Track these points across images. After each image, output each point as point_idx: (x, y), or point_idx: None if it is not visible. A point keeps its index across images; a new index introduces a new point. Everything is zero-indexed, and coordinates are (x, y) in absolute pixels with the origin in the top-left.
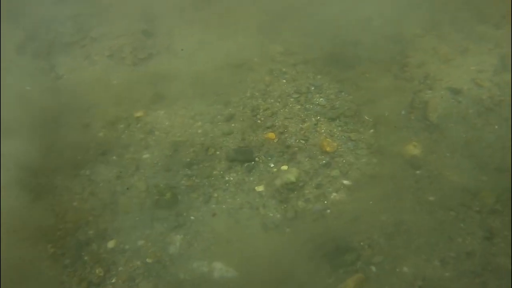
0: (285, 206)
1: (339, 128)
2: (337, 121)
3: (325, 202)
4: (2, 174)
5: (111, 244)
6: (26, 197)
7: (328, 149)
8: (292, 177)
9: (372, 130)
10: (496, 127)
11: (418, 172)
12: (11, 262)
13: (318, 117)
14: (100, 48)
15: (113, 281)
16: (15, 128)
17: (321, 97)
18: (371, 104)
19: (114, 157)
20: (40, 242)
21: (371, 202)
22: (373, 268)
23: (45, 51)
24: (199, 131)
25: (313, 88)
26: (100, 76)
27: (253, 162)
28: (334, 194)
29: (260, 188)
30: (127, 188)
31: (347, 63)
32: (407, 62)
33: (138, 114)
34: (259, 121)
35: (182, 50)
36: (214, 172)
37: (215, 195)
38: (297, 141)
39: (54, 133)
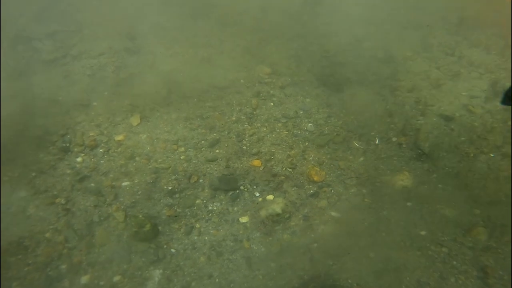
0: (270, 239)
1: (328, 156)
2: (326, 148)
3: (312, 235)
4: None
5: (84, 279)
6: None
7: (316, 178)
8: (278, 208)
9: (362, 158)
10: (490, 156)
11: (409, 204)
12: None
13: (306, 144)
14: (80, 67)
15: None
16: None
17: (309, 122)
18: (361, 130)
19: (92, 185)
20: (3, 280)
21: (359, 236)
22: None
23: (23, 69)
24: (182, 157)
25: (301, 112)
26: (80, 96)
27: (237, 191)
28: (322, 226)
29: (244, 219)
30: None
31: (336, 86)
32: (398, 86)
33: (119, 137)
34: (244, 147)
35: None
36: (197, 201)
37: (198, 225)
38: (284, 169)
39: (29, 157)
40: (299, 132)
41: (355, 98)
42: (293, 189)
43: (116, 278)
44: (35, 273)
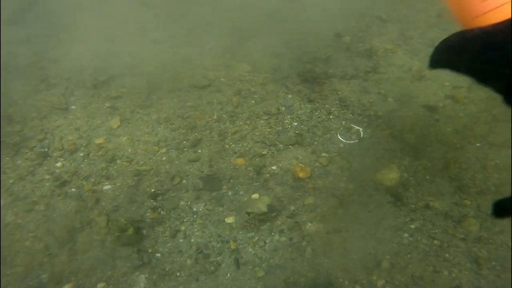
0: (257, 238)
1: (312, 151)
2: (310, 143)
3: (300, 233)
4: None
5: None
6: None
7: (301, 174)
8: (263, 207)
9: (346, 152)
10: (476, 146)
11: (397, 197)
12: None
13: (290, 140)
14: (58, 71)
15: None
16: None
17: (292, 118)
18: (345, 124)
19: (73, 189)
20: None
21: (349, 233)
22: None
23: None
24: (164, 158)
25: (283, 108)
26: (58, 100)
27: (221, 191)
28: (309, 224)
29: (230, 220)
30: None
31: (318, 81)
32: (380, 78)
33: (99, 141)
34: (227, 146)
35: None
36: (181, 203)
37: (182, 228)
38: (268, 166)
39: (6, 164)
40: (282, 129)
41: (338, 92)
42: (278, 187)
43: (100, 285)
44: (14, 283)
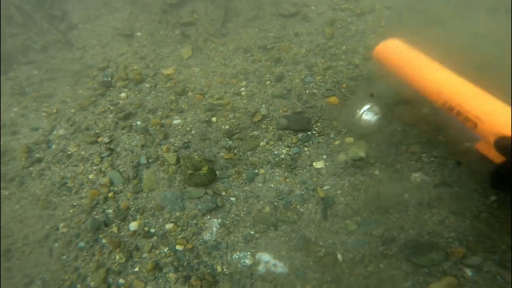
0: (351, 187)
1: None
2: None
3: (403, 184)
4: None
5: (133, 226)
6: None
7: (407, 118)
8: (361, 152)
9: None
10: None
11: None
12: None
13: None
14: None
15: (136, 269)
16: None
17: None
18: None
19: (139, 122)
20: (51, 220)
21: (461, 189)
22: (468, 271)
23: None
24: (243, 92)
25: None
26: (122, 25)
27: (309, 132)
28: (415, 175)
29: (318, 165)
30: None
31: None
32: None
33: (167, 71)
34: (318, 82)
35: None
36: (261, 144)
37: (261, 171)
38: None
39: (67, 93)
40: None
41: None
42: (377, 132)
43: (168, 226)
44: (80, 215)
